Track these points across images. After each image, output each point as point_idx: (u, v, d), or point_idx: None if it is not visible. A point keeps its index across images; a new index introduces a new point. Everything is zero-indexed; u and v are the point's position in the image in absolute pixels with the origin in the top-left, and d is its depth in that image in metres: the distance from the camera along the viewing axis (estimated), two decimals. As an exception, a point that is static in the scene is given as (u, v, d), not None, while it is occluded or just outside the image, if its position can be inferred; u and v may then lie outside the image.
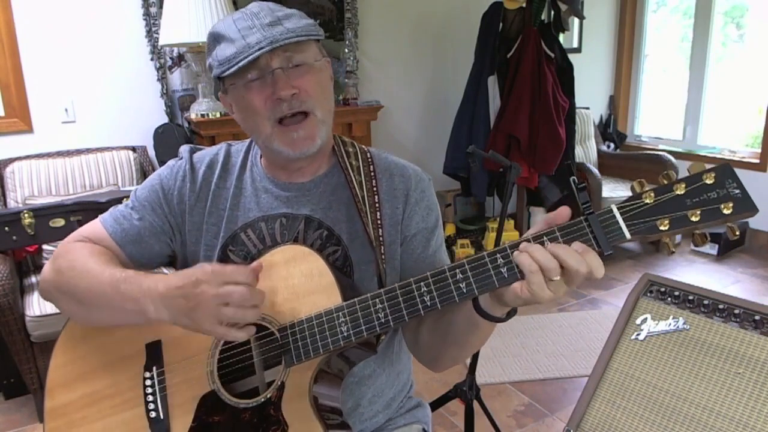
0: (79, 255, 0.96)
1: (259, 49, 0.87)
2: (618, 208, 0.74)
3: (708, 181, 0.72)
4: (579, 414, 1.03)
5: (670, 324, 1.02)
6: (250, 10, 0.92)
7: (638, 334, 1.04)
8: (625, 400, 1.01)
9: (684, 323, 1.01)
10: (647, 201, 0.74)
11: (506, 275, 0.76)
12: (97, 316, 0.94)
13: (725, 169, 0.72)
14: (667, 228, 0.73)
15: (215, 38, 0.93)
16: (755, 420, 0.89)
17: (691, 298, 1.03)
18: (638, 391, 1.00)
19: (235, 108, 0.98)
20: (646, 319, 1.05)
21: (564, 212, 0.76)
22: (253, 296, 0.81)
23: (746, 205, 0.71)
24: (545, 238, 0.75)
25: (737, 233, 0.73)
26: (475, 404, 1.89)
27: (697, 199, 0.72)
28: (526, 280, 0.73)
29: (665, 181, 0.74)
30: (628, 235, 0.73)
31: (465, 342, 0.92)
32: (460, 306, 0.85)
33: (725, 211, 0.71)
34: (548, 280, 0.72)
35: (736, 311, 0.98)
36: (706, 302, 1.01)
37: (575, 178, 0.78)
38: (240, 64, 0.88)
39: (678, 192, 0.73)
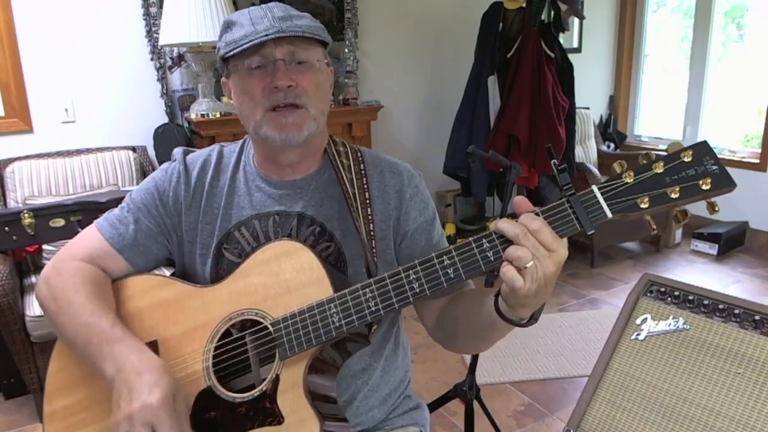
0: (66, 283, 0.96)
1: (265, 35, 0.91)
2: (599, 188, 0.76)
3: (686, 159, 0.74)
4: (579, 414, 1.03)
5: (670, 324, 1.02)
6: (267, 5, 0.96)
7: (638, 334, 1.04)
8: (625, 400, 1.01)
9: (684, 323, 1.01)
10: (627, 180, 0.75)
11: (492, 258, 0.79)
12: (72, 347, 0.96)
13: (702, 146, 0.74)
14: (647, 206, 0.74)
15: (227, 25, 0.98)
16: (755, 420, 0.89)
17: (691, 298, 1.03)
18: (638, 391, 1.00)
19: (234, 92, 1.01)
20: (646, 319, 1.05)
21: (522, 204, 0.79)
22: None
23: (724, 180, 0.73)
24: None
25: (717, 209, 0.74)
26: (475, 404, 1.89)
27: (676, 177, 0.74)
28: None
29: (644, 161, 0.76)
30: (609, 214, 0.75)
31: (485, 337, 0.94)
32: (484, 302, 0.88)
33: (704, 187, 0.73)
34: (518, 264, 0.74)
35: (736, 311, 0.98)
36: (706, 302, 1.01)
37: (556, 161, 0.79)
38: (244, 47, 0.92)
39: (657, 171, 0.74)
